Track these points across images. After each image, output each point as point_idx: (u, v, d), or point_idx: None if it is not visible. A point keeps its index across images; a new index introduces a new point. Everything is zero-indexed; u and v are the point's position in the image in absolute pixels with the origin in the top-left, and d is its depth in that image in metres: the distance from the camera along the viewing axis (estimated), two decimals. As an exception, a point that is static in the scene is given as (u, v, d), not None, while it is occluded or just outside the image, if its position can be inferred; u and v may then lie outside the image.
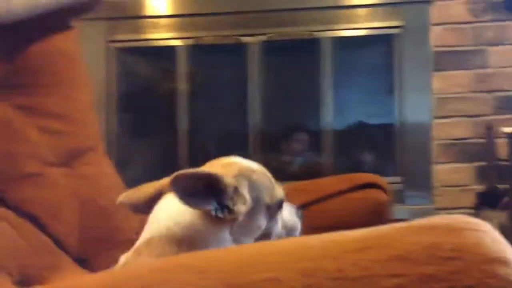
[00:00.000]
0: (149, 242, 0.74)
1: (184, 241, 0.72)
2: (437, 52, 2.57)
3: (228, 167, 0.81)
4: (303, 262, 0.44)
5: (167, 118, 2.74)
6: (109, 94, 2.67)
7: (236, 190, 0.76)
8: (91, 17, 2.53)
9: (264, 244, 0.50)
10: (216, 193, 0.73)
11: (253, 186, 0.79)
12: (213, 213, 0.73)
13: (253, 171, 0.82)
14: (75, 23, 1.26)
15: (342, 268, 0.43)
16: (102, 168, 1.22)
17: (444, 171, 2.58)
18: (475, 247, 0.43)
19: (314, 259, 0.44)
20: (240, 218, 0.75)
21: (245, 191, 0.77)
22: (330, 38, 2.62)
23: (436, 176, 2.57)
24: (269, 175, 0.87)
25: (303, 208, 1.15)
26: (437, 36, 2.57)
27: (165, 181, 0.78)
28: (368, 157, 2.76)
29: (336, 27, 2.61)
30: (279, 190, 0.86)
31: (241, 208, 0.75)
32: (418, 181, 2.56)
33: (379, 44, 2.71)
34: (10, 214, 1.00)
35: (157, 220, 0.77)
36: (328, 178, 1.31)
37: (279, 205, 0.85)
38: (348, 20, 2.61)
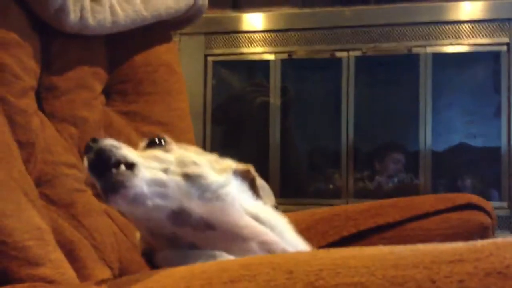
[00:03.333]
0: None
1: None
2: (550, 72, 2.41)
3: None
4: (392, 269, 0.43)
5: (259, 131, 2.78)
6: (205, 106, 2.76)
7: None
8: (191, 32, 2.67)
9: (353, 249, 0.49)
10: None
11: None
12: None
13: None
14: (175, 36, 1.32)
15: (434, 279, 0.41)
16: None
17: (557, 200, 2.40)
18: None
19: (404, 267, 0.43)
20: None
21: None
22: (430, 54, 2.54)
23: (547, 205, 2.39)
24: None
25: (395, 226, 1.11)
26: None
27: None
28: (470, 181, 2.63)
29: (437, 42, 2.53)
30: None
31: None
32: (528, 209, 2.40)
33: (484, 61, 2.60)
34: (112, 211, 1.05)
35: None
36: (426, 196, 1.26)
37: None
38: (450, 36, 2.52)
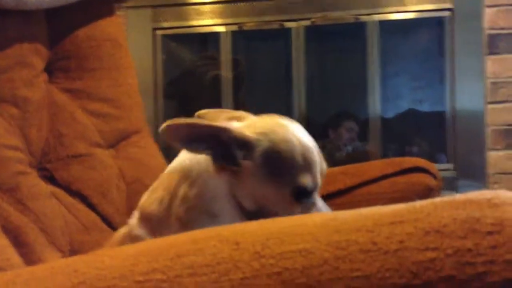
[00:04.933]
0: (163, 177, 0.83)
1: (190, 177, 0.78)
2: (491, 35, 2.48)
3: (261, 122, 0.80)
4: (335, 234, 0.44)
5: (212, 105, 2.75)
6: (155, 81, 2.72)
7: (248, 145, 0.75)
8: (137, 5, 2.61)
9: (297, 218, 0.50)
10: (221, 143, 0.74)
11: (274, 153, 0.75)
12: (211, 157, 0.75)
13: (286, 140, 0.76)
14: (120, 10, 1.28)
15: (376, 241, 0.42)
16: (148, 150, 1.24)
17: (500, 158, 2.50)
18: (517, 222, 0.41)
19: (347, 232, 0.44)
20: (242, 172, 0.75)
21: (259, 150, 0.74)
22: (377, 21, 2.57)
23: (491, 163, 2.49)
24: (310, 156, 0.77)
25: (346, 192, 1.14)
26: (490, 19, 2.48)
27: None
28: (418, 145, 2.71)
29: (383, 10, 2.56)
30: (306, 178, 0.75)
31: (245, 162, 0.74)
32: (472, 169, 2.49)
33: (429, 28, 2.65)
34: (61, 193, 1.04)
35: (177, 158, 0.83)
36: (374, 162, 1.28)
37: (296, 192, 0.75)
38: (395, 3, 2.55)
